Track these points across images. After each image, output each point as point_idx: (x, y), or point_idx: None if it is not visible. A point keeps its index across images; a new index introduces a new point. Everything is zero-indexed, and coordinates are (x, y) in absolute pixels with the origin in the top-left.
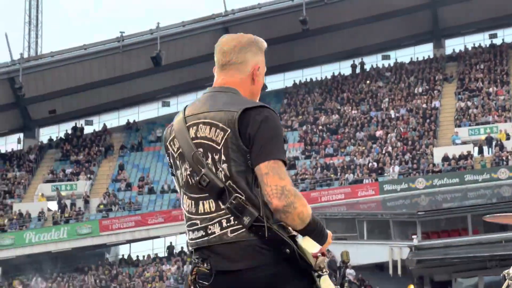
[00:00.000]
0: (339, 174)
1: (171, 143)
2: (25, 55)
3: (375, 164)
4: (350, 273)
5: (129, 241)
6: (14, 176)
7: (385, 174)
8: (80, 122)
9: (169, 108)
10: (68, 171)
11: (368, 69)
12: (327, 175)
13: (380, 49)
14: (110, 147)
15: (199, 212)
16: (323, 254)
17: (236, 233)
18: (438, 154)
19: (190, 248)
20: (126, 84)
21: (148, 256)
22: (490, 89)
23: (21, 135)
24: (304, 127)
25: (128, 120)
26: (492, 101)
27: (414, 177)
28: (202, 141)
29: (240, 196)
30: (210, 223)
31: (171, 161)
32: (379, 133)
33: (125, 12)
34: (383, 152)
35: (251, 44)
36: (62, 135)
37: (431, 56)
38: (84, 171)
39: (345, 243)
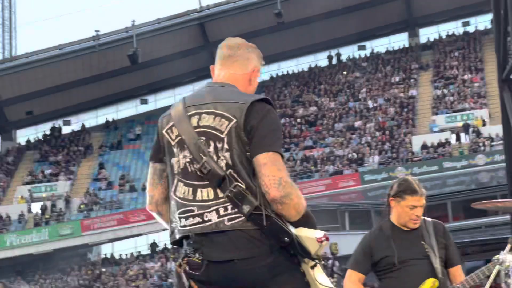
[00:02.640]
0: (319, 166)
1: (169, 131)
2: (0, 57)
3: (355, 154)
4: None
5: (111, 240)
6: None
7: (365, 164)
8: (58, 123)
9: (147, 106)
10: (48, 172)
11: (344, 60)
12: (307, 167)
13: (355, 39)
14: (89, 146)
15: (197, 199)
16: (326, 239)
17: (233, 221)
18: (416, 142)
19: (178, 236)
20: (104, 83)
21: (131, 254)
22: (465, 77)
23: None
24: (283, 120)
25: (106, 119)
26: (467, 88)
27: (394, 166)
28: (205, 129)
29: (241, 184)
30: (207, 210)
31: (166, 149)
32: (357, 123)
33: (99, 10)
34: (362, 142)
35: (255, 48)
36: (40, 136)
37: (406, 45)
38: (64, 172)
39: (327, 234)
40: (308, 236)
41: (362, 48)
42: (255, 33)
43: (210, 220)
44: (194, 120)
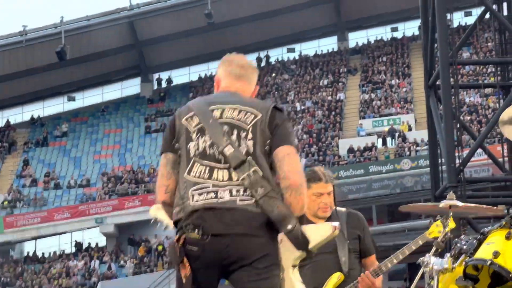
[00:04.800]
0: None
1: (189, 119)
2: None
3: None
4: None
5: (34, 238)
6: None
7: None
8: None
9: (74, 103)
10: None
11: (273, 62)
12: None
13: (285, 42)
14: (14, 142)
15: (213, 178)
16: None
17: (244, 202)
18: (343, 146)
19: (188, 210)
20: (30, 79)
21: (54, 252)
22: (393, 81)
23: None
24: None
25: (32, 115)
26: (394, 93)
27: None
28: (229, 120)
29: (259, 170)
30: (221, 188)
31: (184, 136)
32: None
33: (27, 5)
34: None
35: (256, 70)
36: None
37: (335, 49)
38: None
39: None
40: (324, 223)
41: (291, 50)
42: (185, 33)
43: (223, 197)
44: (216, 113)
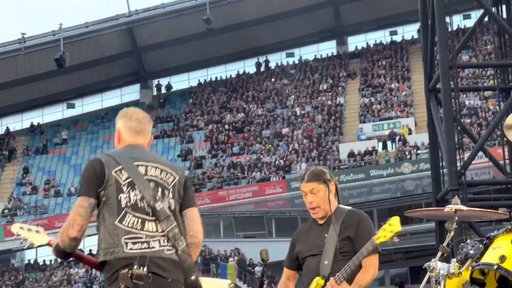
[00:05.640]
0: (246, 172)
1: (118, 172)
2: None
3: (282, 161)
4: (259, 270)
5: (35, 246)
6: None
7: (292, 171)
8: None
9: (74, 110)
10: None
11: (272, 67)
12: (234, 174)
13: (284, 46)
14: (14, 150)
15: (144, 229)
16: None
17: (169, 252)
18: (343, 150)
19: (121, 255)
20: (29, 86)
21: (56, 260)
22: (392, 85)
23: None
24: (210, 126)
25: (32, 122)
26: (394, 96)
27: None
28: (153, 178)
29: (177, 225)
30: (152, 239)
31: (114, 186)
32: (285, 130)
33: (26, 12)
34: (290, 149)
35: (152, 122)
36: None
37: (335, 53)
38: None
39: (254, 241)
40: (220, 281)
41: (291, 55)
42: (184, 39)
43: (153, 247)
44: (142, 169)
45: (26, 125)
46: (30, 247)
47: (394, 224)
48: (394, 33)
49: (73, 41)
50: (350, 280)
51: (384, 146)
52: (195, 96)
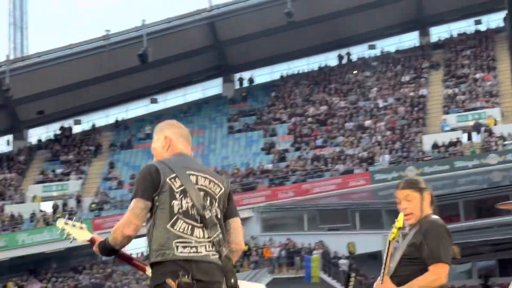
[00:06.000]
0: (329, 165)
1: (172, 180)
2: (11, 57)
3: (365, 154)
4: (343, 263)
5: None
6: (4, 178)
7: (376, 163)
8: (69, 122)
9: (157, 105)
10: (59, 171)
11: (354, 59)
12: (318, 167)
13: (366, 39)
14: (100, 146)
15: (194, 235)
16: None
17: (214, 256)
18: (427, 141)
19: (169, 258)
20: (114, 82)
21: (142, 253)
22: (477, 75)
23: (10, 136)
24: (293, 120)
25: (116, 118)
26: (479, 87)
27: (404, 166)
28: (203, 187)
29: (222, 233)
30: (199, 245)
31: (167, 192)
32: (368, 122)
33: (110, 10)
34: (373, 141)
35: None
36: (51, 135)
37: (417, 45)
38: (75, 171)
39: (338, 234)
40: (256, 285)
41: (372, 47)
42: (265, 33)
43: (201, 252)
44: (193, 178)
45: (111, 120)
46: (73, 242)
47: (398, 220)
48: (478, 22)
49: (155, 36)
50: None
51: (469, 137)
52: (278, 89)
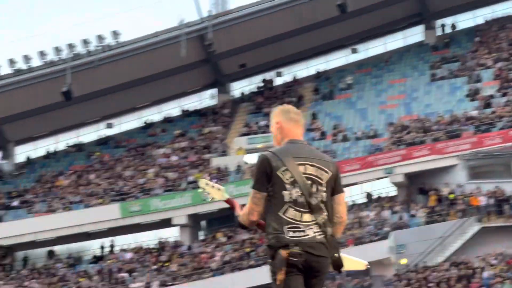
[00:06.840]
0: None
1: (283, 172)
2: (213, 12)
3: None
4: None
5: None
6: (210, 131)
7: None
8: (270, 74)
9: (358, 55)
10: (262, 123)
11: None
12: None
13: None
14: (301, 97)
15: (302, 220)
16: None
17: (321, 236)
18: None
19: (284, 242)
20: (314, 34)
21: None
22: None
23: (214, 90)
24: (499, 64)
25: (317, 69)
26: None
27: None
28: (310, 176)
29: (327, 215)
30: (307, 228)
31: (277, 184)
32: None
33: None
34: None
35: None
36: (253, 88)
37: None
38: None
39: None
40: (358, 260)
41: None
42: None
43: (308, 235)
44: (301, 168)
45: (312, 71)
46: (211, 201)
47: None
48: None
49: None
50: None
51: None
52: (482, 34)
